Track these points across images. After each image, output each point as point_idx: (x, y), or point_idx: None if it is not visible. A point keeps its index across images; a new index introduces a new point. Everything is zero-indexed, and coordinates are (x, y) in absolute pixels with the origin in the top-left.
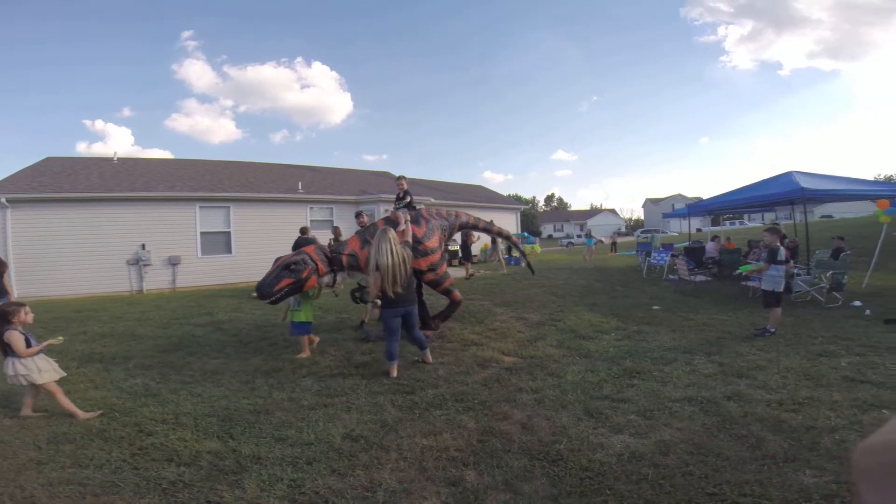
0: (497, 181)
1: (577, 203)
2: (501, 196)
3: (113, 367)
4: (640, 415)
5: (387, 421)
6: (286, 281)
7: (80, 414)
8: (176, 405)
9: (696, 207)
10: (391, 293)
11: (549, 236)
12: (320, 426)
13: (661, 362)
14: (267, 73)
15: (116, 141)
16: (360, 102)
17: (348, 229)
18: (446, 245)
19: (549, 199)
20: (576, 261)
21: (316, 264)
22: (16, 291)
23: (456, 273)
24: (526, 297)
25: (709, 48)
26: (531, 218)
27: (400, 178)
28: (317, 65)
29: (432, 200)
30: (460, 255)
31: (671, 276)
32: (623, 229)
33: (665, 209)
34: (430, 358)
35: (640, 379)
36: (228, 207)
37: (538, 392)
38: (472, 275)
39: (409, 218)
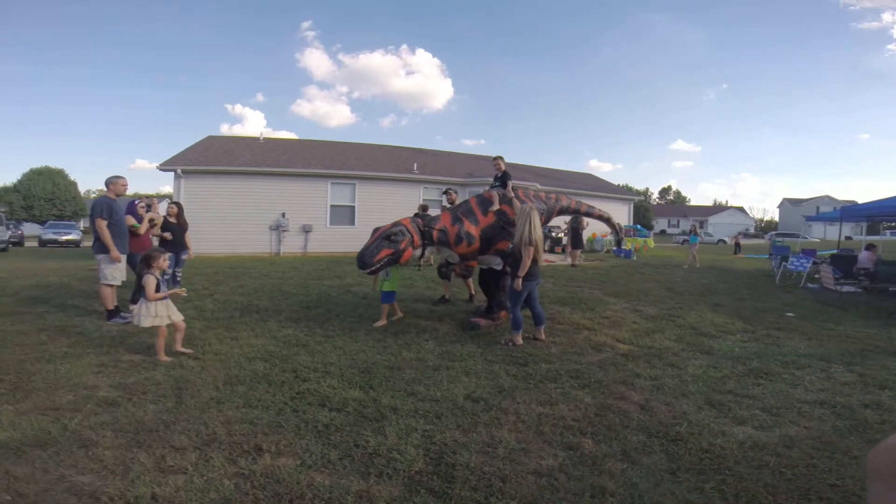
0: (604, 170)
1: (698, 198)
2: (612, 185)
3: (268, 319)
4: (765, 411)
5: (503, 387)
6: (385, 251)
7: (163, 357)
8: (323, 356)
9: (852, 211)
10: (538, 264)
11: (663, 231)
12: (444, 385)
13: (792, 366)
14: (376, 61)
15: (252, 123)
16: (459, 88)
17: None
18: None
19: (665, 191)
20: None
21: (412, 236)
22: None
23: (557, 260)
24: (640, 290)
25: (871, 35)
26: (644, 210)
27: (497, 158)
28: (420, 52)
29: (539, 186)
30: (564, 241)
31: (811, 285)
32: (751, 230)
33: (807, 211)
34: (543, 335)
35: (767, 379)
36: (354, 185)
37: (657, 379)
38: (576, 264)
39: (510, 197)
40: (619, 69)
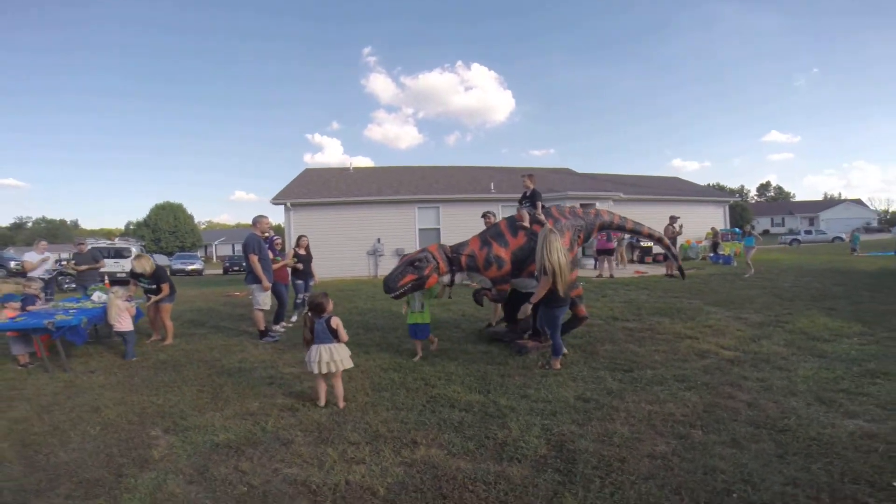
0: (690, 170)
1: (803, 192)
2: (701, 187)
3: (388, 335)
4: (879, 406)
5: (611, 389)
6: (410, 276)
7: (342, 403)
8: (443, 366)
9: None
10: (561, 292)
11: (766, 231)
12: (554, 389)
13: None
14: (435, 79)
15: (331, 151)
16: (521, 99)
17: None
18: (580, 246)
19: (764, 188)
20: (804, 261)
21: (437, 263)
22: None
23: (649, 271)
24: (743, 297)
25: None
26: (741, 210)
27: (524, 176)
28: (475, 66)
29: (622, 196)
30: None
31: None
32: (873, 223)
33: None
34: (559, 365)
35: (885, 379)
36: (438, 207)
37: (764, 381)
38: (671, 275)
39: (539, 217)
40: (691, 61)
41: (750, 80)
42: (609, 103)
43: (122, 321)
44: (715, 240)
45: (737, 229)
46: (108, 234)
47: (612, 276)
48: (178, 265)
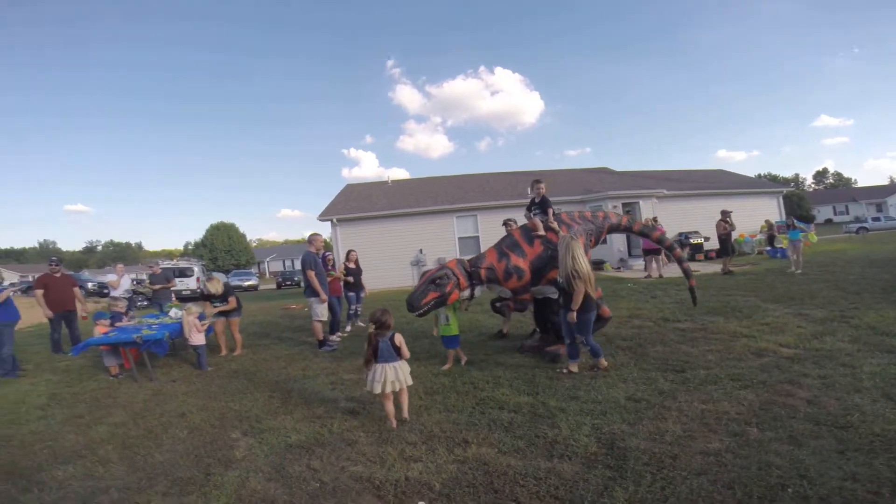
0: (737, 160)
1: (865, 177)
2: (750, 179)
3: (436, 343)
4: None
5: (663, 390)
6: (432, 295)
7: (394, 423)
8: (490, 370)
9: None
10: (592, 296)
11: (829, 220)
12: (604, 390)
13: None
14: (459, 86)
15: (367, 164)
16: (550, 99)
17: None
18: (592, 248)
19: (821, 175)
20: (872, 251)
21: (457, 278)
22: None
23: (701, 269)
24: (803, 292)
25: None
26: (798, 200)
27: (535, 182)
28: (498, 70)
29: (665, 192)
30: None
31: None
32: None
33: None
34: (576, 368)
35: None
36: (476, 216)
37: (826, 378)
38: (729, 271)
39: (552, 224)
40: (728, 49)
41: (790, 64)
42: (645, 97)
43: (195, 336)
44: (770, 233)
45: (796, 220)
46: (168, 254)
47: (661, 276)
48: (234, 282)
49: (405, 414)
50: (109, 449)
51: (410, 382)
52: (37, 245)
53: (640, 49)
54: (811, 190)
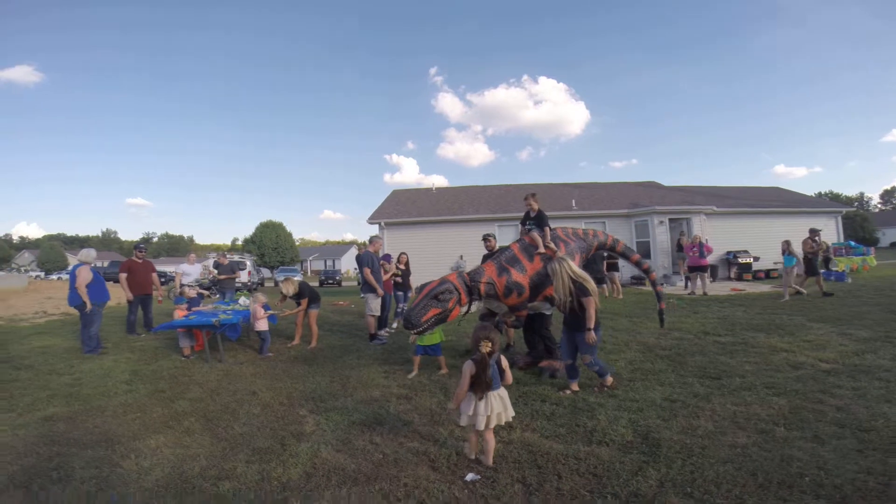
0: (795, 177)
1: None
2: (808, 198)
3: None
4: None
5: (698, 393)
6: (433, 311)
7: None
8: (531, 369)
9: None
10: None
11: (894, 244)
12: (641, 391)
13: None
14: (501, 96)
15: (408, 170)
16: (596, 109)
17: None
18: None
19: (889, 193)
20: None
21: (459, 293)
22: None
23: (748, 288)
24: (852, 314)
25: None
26: (861, 221)
27: (528, 196)
28: (543, 79)
29: (715, 209)
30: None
31: None
32: None
33: None
34: (576, 387)
35: None
36: (517, 225)
37: (859, 390)
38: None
39: (549, 243)
40: (784, 58)
41: (858, 75)
42: (697, 108)
43: (260, 323)
44: (826, 255)
45: (852, 242)
46: (216, 248)
47: (705, 293)
48: (281, 278)
49: (490, 458)
50: (192, 421)
51: (514, 413)
52: (99, 234)
53: (693, 57)
54: (877, 210)
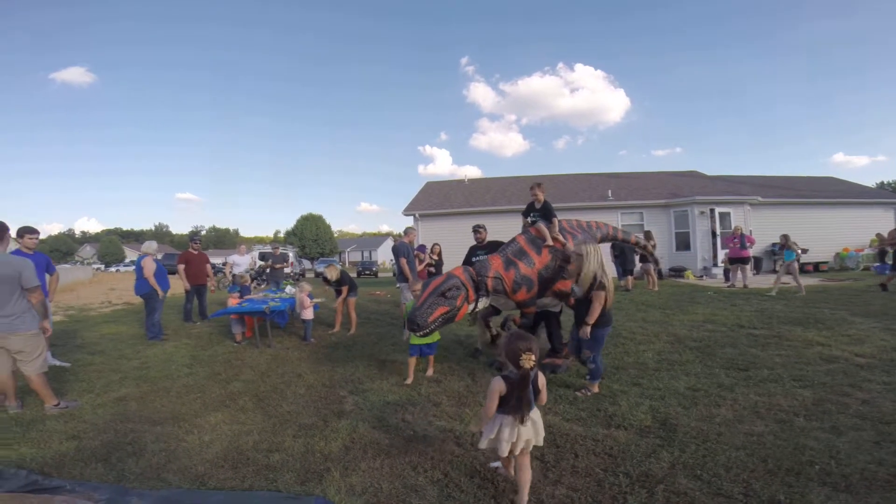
0: (856, 166)
1: None
2: (864, 188)
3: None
4: None
5: (723, 384)
6: (441, 310)
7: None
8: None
9: None
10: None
11: None
12: (666, 381)
13: None
14: (536, 84)
15: (441, 161)
16: (636, 96)
17: (660, 234)
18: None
19: None
20: None
21: (467, 289)
22: None
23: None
24: None
25: None
26: None
27: (534, 186)
28: (579, 66)
29: (759, 199)
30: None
31: None
32: None
33: None
34: (597, 388)
35: None
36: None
37: (890, 384)
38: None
39: (556, 234)
40: (844, 41)
41: None
42: (748, 93)
43: (306, 311)
44: (881, 247)
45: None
46: (260, 240)
47: (745, 286)
48: (320, 268)
49: (525, 495)
50: (246, 400)
51: (543, 435)
52: (152, 227)
53: (741, 35)
54: None
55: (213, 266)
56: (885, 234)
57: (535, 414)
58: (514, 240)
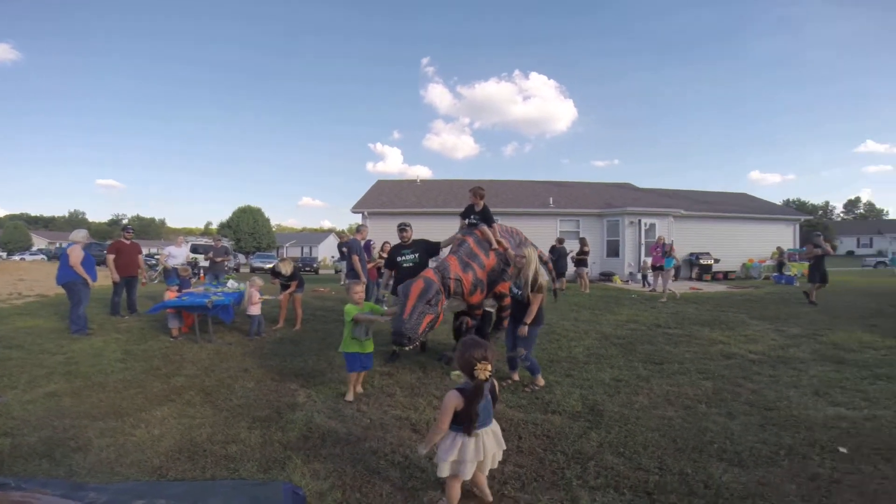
0: (769, 183)
1: None
2: (771, 205)
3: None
4: (865, 400)
5: (642, 375)
6: (428, 318)
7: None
8: (500, 351)
9: None
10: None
11: (850, 252)
12: (594, 373)
13: None
14: (492, 89)
15: (392, 160)
16: (584, 108)
17: (594, 241)
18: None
19: (852, 204)
20: (875, 283)
21: (441, 293)
22: None
23: (705, 288)
24: (790, 313)
25: None
26: (822, 230)
27: (474, 189)
28: (534, 75)
29: (682, 212)
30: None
31: None
32: None
33: None
34: (542, 381)
35: (887, 382)
36: (497, 220)
37: (775, 377)
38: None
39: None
40: (770, 63)
41: (842, 84)
42: (681, 112)
43: (254, 306)
44: (780, 259)
45: (805, 249)
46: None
47: (665, 291)
48: (257, 263)
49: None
50: (192, 394)
51: (504, 447)
52: (66, 214)
53: (680, 61)
54: (839, 220)
55: (146, 257)
56: (784, 248)
57: (495, 426)
58: (463, 241)
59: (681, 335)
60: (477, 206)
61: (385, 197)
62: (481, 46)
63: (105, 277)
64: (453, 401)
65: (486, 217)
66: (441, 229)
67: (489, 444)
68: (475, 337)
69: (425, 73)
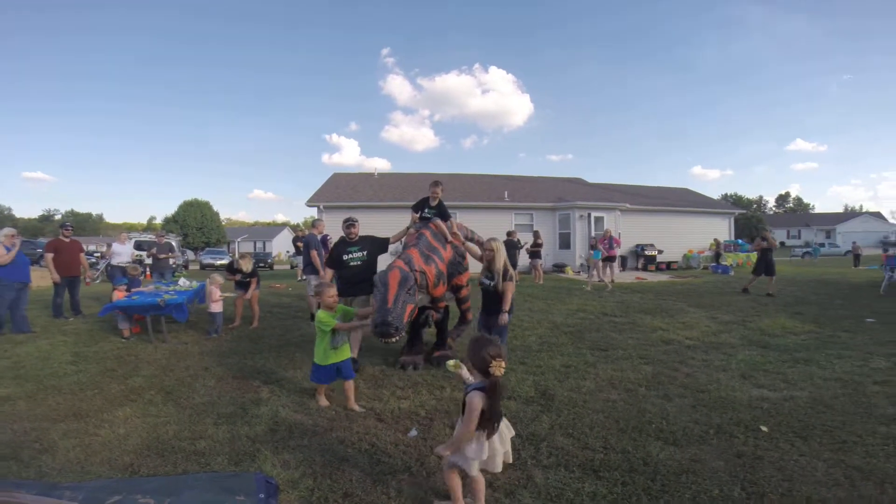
0: (709, 178)
1: (826, 203)
2: (709, 199)
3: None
4: (784, 381)
5: (589, 361)
6: (409, 307)
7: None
8: (462, 342)
9: None
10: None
11: (781, 244)
12: (546, 360)
13: (833, 357)
14: (452, 82)
15: (349, 152)
16: (540, 103)
17: (546, 233)
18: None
19: (783, 198)
20: (801, 273)
21: (416, 285)
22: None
23: (649, 278)
24: (724, 302)
25: None
26: (755, 222)
27: (435, 184)
28: (493, 69)
29: (628, 206)
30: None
31: None
32: (892, 237)
33: None
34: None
35: (804, 364)
36: (455, 214)
37: (707, 361)
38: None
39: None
40: (716, 65)
41: (776, 84)
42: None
43: (215, 304)
44: (717, 250)
45: (740, 241)
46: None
47: (612, 281)
48: (207, 259)
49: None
50: (153, 394)
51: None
52: None
53: (634, 60)
54: (771, 213)
55: (88, 255)
56: (721, 240)
57: (504, 421)
58: (421, 234)
59: (625, 323)
60: (433, 200)
61: (342, 190)
62: (444, 38)
63: (42, 278)
64: (480, 402)
65: (442, 212)
66: (399, 223)
67: (507, 436)
68: (486, 335)
69: (384, 64)
